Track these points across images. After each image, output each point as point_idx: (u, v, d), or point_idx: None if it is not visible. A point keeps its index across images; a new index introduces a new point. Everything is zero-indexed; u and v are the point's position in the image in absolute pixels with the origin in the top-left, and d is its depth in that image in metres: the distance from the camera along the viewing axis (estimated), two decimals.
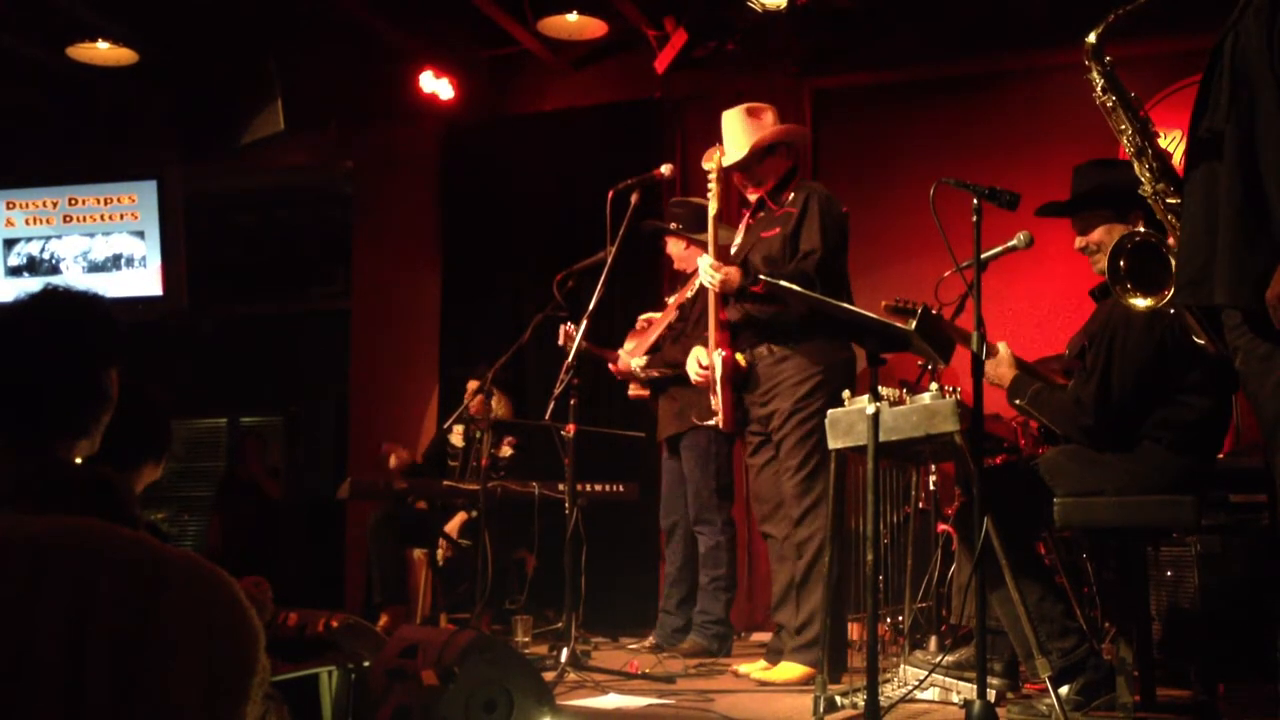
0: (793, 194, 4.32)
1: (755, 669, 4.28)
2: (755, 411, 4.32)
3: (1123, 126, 2.73)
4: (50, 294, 1.52)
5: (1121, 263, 2.76)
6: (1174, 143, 5.56)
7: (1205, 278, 2.20)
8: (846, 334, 4.01)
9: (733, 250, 4.51)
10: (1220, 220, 2.18)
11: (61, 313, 1.51)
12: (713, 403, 4.40)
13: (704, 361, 4.46)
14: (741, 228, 4.56)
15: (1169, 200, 2.60)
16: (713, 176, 4.40)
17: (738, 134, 4.41)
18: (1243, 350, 2.20)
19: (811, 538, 4.12)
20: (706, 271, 4.30)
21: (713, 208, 4.44)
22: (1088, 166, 3.65)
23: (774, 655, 4.31)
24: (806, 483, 4.15)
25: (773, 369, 4.25)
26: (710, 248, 4.41)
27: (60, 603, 1.25)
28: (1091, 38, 2.72)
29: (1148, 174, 2.66)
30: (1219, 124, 2.22)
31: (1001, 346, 3.67)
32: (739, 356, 4.32)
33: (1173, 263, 2.55)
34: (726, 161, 4.43)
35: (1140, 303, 2.74)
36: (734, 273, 4.24)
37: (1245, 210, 2.13)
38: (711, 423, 4.45)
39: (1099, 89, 2.75)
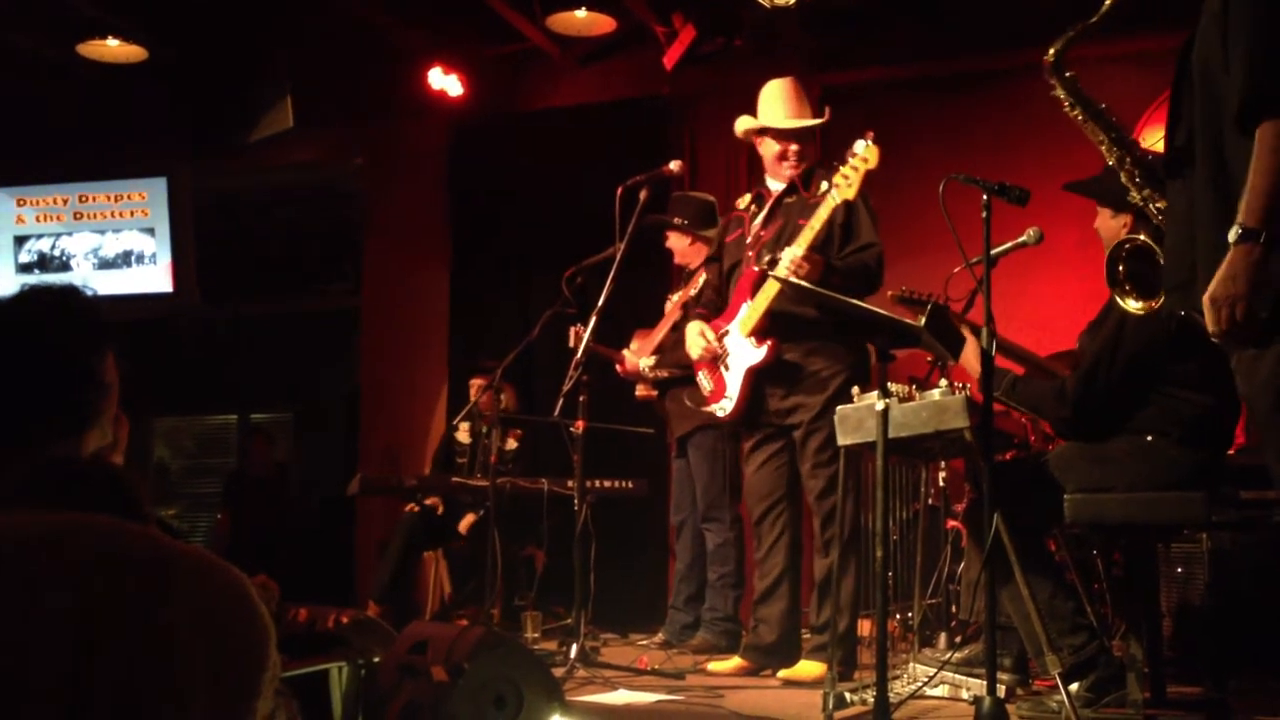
0: (824, 184, 4.14)
1: (724, 666, 4.29)
2: (774, 404, 4.20)
3: (1099, 138, 2.73)
4: (26, 294, 1.50)
5: (1120, 267, 2.79)
6: None
7: (1191, 282, 2.25)
8: (856, 330, 3.96)
9: (758, 230, 4.32)
10: (1197, 229, 2.23)
11: (42, 310, 1.50)
12: (703, 385, 4.33)
13: (709, 336, 4.31)
14: (760, 217, 4.36)
15: (1156, 205, 2.65)
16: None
17: (791, 103, 4.35)
18: (1234, 350, 2.25)
19: (838, 535, 4.07)
20: (789, 264, 3.97)
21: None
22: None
23: (750, 652, 4.28)
24: (833, 479, 4.05)
25: (800, 361, 4.15)
26: (744, 235, 4.23)
27: (69, 599, 1.26)
28: (1049, 54, 2.69)
29: (1131, 183, 2.68)
30: (1187, 135, 2.25)
31: (967, 333, 3.60)
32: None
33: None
34: (778, 124, 4.32)
35: (1134, 305, 2.77)
36: (816, 266, 3.99)
37: (1219, 218, 2.17)
38: (711, 409, 4.34)
39: (1066, 104, 2.74)
